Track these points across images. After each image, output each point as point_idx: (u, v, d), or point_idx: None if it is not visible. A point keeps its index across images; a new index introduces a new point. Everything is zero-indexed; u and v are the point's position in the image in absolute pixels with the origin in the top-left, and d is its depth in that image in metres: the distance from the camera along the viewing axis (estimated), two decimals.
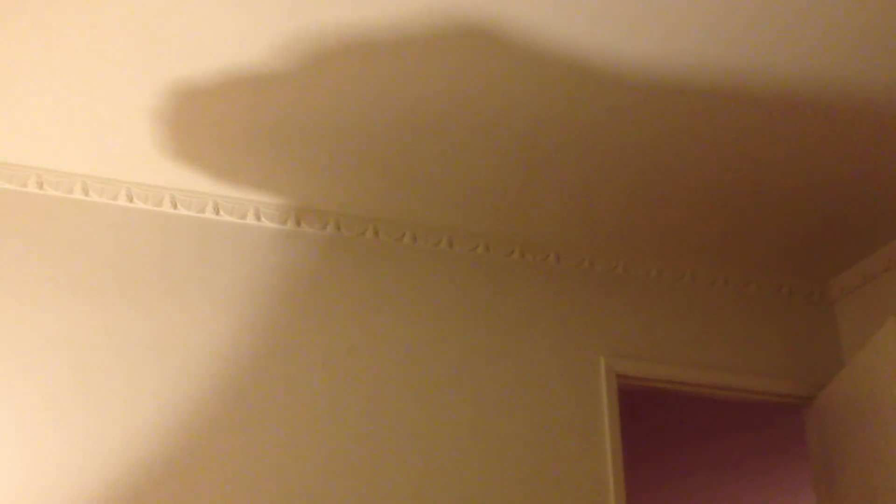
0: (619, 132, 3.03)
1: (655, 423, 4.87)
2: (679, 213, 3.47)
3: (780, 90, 2.86)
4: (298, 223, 3.39)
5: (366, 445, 3.13)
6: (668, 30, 2.62)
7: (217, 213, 3.32)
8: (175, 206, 3.28)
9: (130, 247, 3.22)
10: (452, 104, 2.91)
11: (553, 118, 2.96)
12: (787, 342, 3.80)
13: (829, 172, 3.24)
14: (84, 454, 2.90)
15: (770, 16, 2.57)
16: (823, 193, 3.36)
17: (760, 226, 3.55)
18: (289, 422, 3.10)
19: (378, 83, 2.83)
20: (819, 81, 2.82)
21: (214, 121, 2.99)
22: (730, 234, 3.60)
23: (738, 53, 2.71)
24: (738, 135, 3.06)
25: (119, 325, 3.10)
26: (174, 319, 3.15)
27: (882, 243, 3.67)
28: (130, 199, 3.25)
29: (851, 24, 2.61)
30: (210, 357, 3.12)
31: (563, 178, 3.25)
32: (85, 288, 3.12)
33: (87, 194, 3.22)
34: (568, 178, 3.26)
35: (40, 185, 3.19)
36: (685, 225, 3.54)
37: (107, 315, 3.10)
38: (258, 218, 3.35)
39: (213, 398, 3.07)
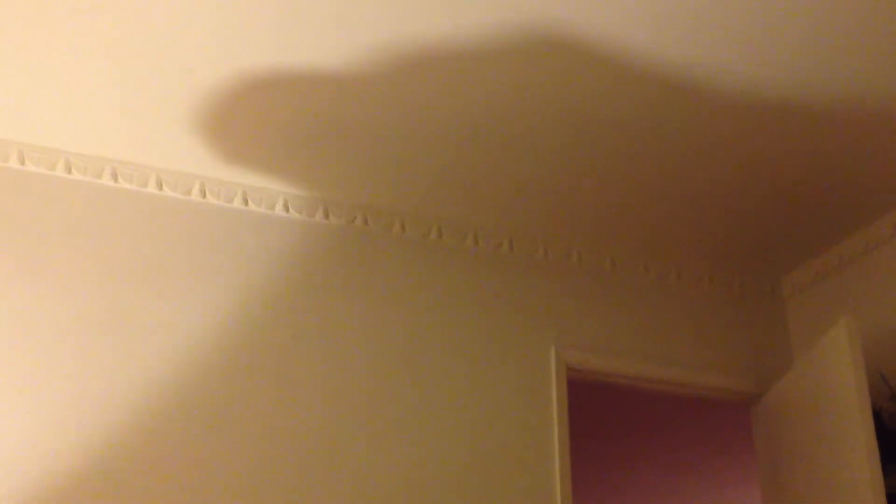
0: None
1: (604, 416, 4.86)
2: (635, 204, 3.44)
3: (740, 91, 2.86)
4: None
5: (313, 435, 3.07)
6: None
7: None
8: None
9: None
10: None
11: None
12: (738, 338, 3.80)
13: (783, 169, 3.24)
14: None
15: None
16: (778, 190, 3.35)
17: (716, 220, 3.54)
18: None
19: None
20: (774, 82, 2.82)
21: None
22: (686, 227, 3.59)
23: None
24: (697, 141, 3.07)
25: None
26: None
27: (834, 241, 3.67)
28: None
29: (806, 27, 2.61)
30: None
31: (510, 165, 3.22)
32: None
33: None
34: (517, 165, 3.22)
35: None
36: (641, 217, 3.52)
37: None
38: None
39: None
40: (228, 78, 2.82)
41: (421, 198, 3.41)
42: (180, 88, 2.86)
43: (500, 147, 3.13)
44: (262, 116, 2.98)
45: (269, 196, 3.33)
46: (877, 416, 3.05)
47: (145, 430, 2.90)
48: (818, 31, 2.64)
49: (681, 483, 6.04)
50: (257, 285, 3.21)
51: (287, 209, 3.34)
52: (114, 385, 2.93)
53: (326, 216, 3.37)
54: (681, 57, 2.73)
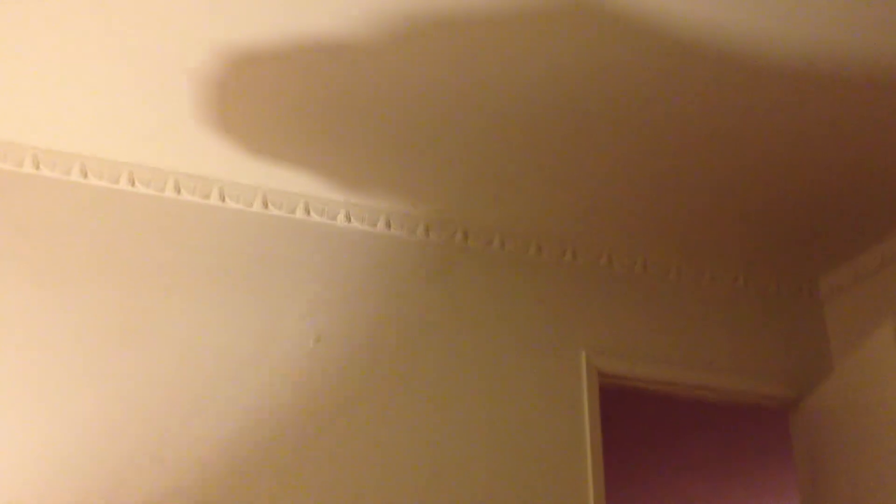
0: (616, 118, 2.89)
1: (637, 422, 4.76)
2: (666, 204, 3.34)
3: (780, 78, 2.73)
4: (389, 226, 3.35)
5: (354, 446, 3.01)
6: None
7: (308, 213, 3.26)
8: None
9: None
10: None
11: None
12: (774, 341, 3.70)
13: (821, 165, 3.12)
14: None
15: None
16: (816, 186, 3.24)
17: (750, 219, 3.43)
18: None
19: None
20: (813, 69, 2.69)
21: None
22: (718, 226, 3.48)
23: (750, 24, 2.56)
24: (729, 126, 2.93)
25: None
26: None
27: (875, 240, 3.55)
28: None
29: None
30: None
31: (534, 159, 3.11)
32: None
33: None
34: (541, 159, 3.11)
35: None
36: (671, 217, 3.42)
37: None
38: (348, 219, 3.32)
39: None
40: (231, 59, 2.70)
41: (445, 200, 3.32)
42: (186, 78, 2.76)
43: (525, 139, 3.01)
44: (272, 95, 2.85)
45: (290, 199, 3.26)
46: None
47: (160, 440, 2.84)
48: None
49: (718, 491, 5.92)
50: (285, 293, 3.15)
51: (308, 212, 3.27)
52: (130, 395, 2.86)
53: (349, 219, 3.30)
54: (729, 27, 2.57)
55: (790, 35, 2.58)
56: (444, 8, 2.50)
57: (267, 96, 2.84)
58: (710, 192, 3.28)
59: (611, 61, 2.69)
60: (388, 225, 3.35)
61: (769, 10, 2.49)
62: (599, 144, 3.04)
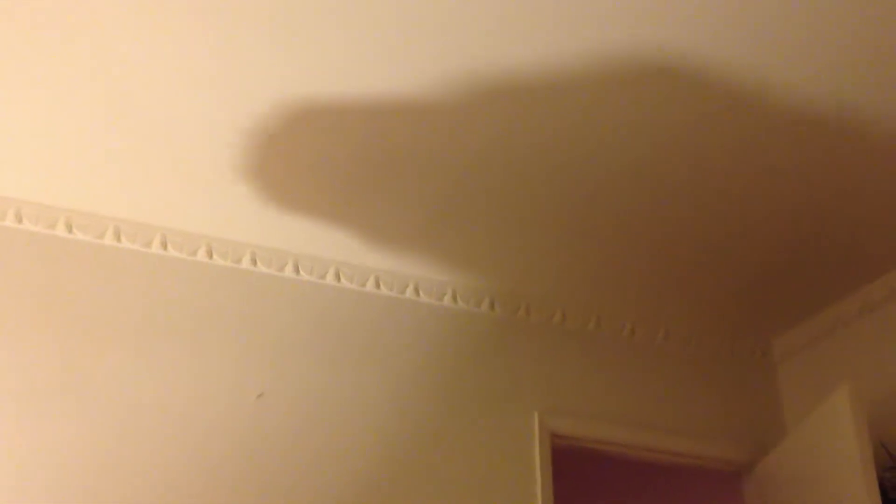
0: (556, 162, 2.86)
1: (590, 483, 4.68)
2: (619, 263, 3.31)
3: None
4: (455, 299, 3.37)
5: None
6: None
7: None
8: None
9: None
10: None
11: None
12: (728, 404, 3.66)
13: (774, 226, 3.11)
14: None
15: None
16: (769, 247, 3.22)
17: (703, 280, 3.41)
18: None
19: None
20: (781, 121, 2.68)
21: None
22: (671, 286, 3.45)
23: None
24: (680, 186, 2.92)
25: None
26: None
27: (829, 302, 3.54)
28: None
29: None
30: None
31: (489, 217, 3.07)
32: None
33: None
34: (493, 216, 3.07)
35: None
36: (625, 276, 3.39)
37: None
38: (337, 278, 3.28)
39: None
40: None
41: (396, 254, 3.25)
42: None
43: (482, 195, 2.98)
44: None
45: (279, 257, 3.20)
46: (880, 486, 2.89)
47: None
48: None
49: None
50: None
51: (339, 279, 3.25)
52: (57, 455, 2.72)
53: (338, 278, 3.27)
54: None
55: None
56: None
57: (318, 157, 2.81)
58: (663, 252, 3.25)
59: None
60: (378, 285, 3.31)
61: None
62: (552, 207, 3.02)
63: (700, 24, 2.34)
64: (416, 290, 3.34)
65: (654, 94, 2.56)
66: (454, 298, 3.39)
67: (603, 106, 2.60)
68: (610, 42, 2.39)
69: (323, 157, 2.79)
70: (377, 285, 3.29)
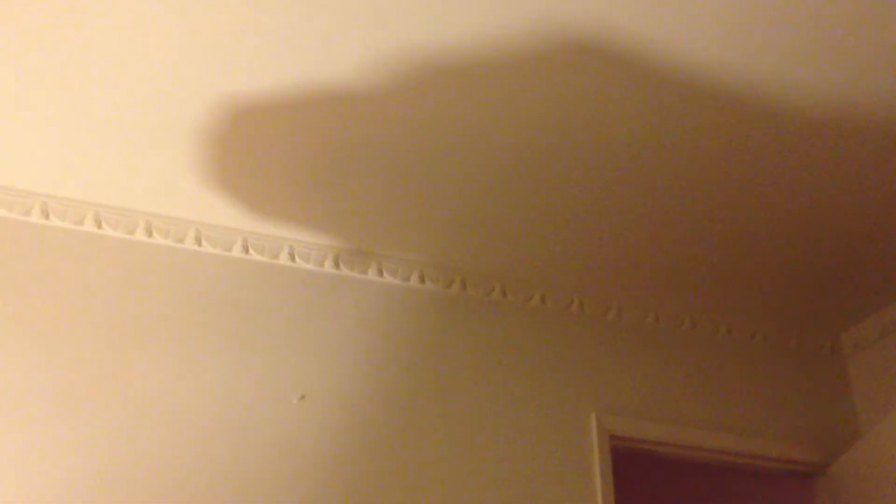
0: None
1: (652, 489, 4.50)
2: (678, 254, 3.14)
3: (802, 127, 2.57)
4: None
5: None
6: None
7: (246, 251, 3.03)
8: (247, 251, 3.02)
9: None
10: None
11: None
12: (796, 401, 3.47)
13: (844, 215, 2.95)
14: None
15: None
16: (838, 237, 3.05)
17: (768, 271, 3.24)
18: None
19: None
20: (838, 119, 2.53)
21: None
22: (734, 278, 3.28)
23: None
24: (748, 176, 2.77)
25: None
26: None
27: None
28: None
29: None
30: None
31: (537, 206, 2.92)
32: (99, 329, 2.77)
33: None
34: (543, 205, 2.91)
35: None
36: (684, 267, 3.21)
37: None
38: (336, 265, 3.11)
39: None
40: (217, 106, 2.53)
41: (442, 246, 3.09)
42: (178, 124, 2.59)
43: (529, 186, 2.83)
44: (260, 143, 2.68)
45: (274, 243, 3.04)
46: None
47: None
48: None
49: None
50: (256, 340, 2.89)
51: (293, 258, 3.06)
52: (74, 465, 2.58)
53: (336, 265, 3.09)
54: (744, 74, 2.42)
55: (815, 82, 2.43)
56: (442, 53, 2.36)
57: (265, 148, 2.68)
58: (726, 242, 3.09)
59: (617, 107, 2.54)
60: (423, 279, 3.16)
61: (791, 56, 2.35)
62: (609, 194, 2.86)
63: None
64: (503, 291, 3.23)
65: None
66: (503, 293, 3.23)
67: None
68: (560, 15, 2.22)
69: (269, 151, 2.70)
70: (422, 280, 3.15)
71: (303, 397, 2.82)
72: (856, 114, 2.54)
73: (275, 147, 2.67)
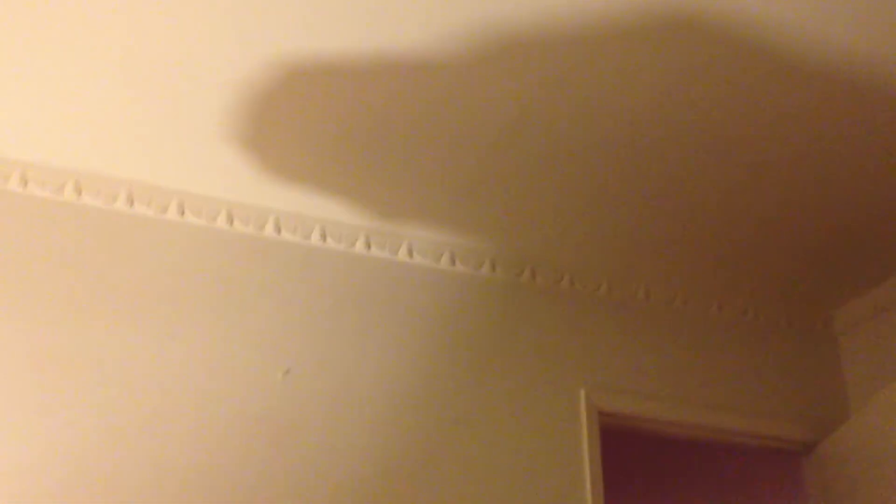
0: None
1: (640, 466, 4.50)
2: (669, 229, 3.11)
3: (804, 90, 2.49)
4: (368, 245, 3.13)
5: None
6: None
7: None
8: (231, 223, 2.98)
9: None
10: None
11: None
12: (786, 379, 3.46)
13: (837, 192, 2.92)
14: None
15: None
16: (832, 210, 3.02)
17: (760, 247, 3.21)
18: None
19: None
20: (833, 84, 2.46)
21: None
22: (727, 252, 3.24)
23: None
24: (741, 150, 2.73)
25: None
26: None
27: (894, 271, 3.33)
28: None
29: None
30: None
31: (528, 183, 2.88)
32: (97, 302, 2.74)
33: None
34: (534, 183, 2.88)
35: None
36: (676, 241, 3.18)
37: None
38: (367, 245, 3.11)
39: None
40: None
41: (433, 218, 3.06)
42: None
43: (517, 163, 2.79)
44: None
45: (306, 224, 3.03)
46: None
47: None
48: None
49: None
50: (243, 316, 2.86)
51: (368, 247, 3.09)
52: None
53: (368, 246, 3.09)
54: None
55: (815, 39, 2.35)
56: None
57: (318, 115, 2.62)
58: (717, 217, 3.05)
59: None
60: (411, 253, 3.14)
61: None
62: (599, 169, 2.81)
63: None
64: (493, 266, 3.20)
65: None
66: (493, 267, 3.20)
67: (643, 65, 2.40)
68: None
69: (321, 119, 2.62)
70: (410, 253, 3.11)
71: (287, 372, 2.79)
72: (853, 85, 2.49)
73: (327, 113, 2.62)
